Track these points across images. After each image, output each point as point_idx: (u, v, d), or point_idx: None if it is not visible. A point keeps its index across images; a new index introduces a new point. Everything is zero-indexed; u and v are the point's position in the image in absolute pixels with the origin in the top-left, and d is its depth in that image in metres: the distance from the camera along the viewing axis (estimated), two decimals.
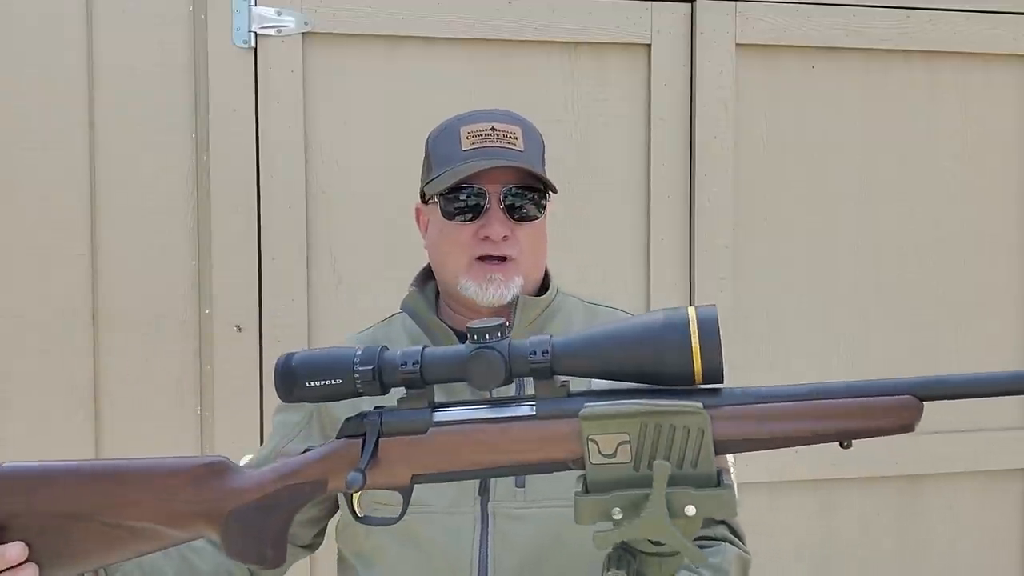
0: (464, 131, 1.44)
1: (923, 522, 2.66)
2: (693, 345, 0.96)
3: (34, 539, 1.04)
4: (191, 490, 1.04)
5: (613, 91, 2.47)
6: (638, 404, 0.96)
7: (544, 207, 1.46)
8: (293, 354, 1.03)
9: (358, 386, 1.01)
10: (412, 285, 1.53)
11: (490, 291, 1.41)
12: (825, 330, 2.60)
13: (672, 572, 0.98)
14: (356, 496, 1.08)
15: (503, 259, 1.42)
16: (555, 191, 1.48)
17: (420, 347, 1.03)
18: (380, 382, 1.01)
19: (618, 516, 0.95)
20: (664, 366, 0.97)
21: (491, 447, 1.02)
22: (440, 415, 1.03)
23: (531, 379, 1.02)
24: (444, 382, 1.02)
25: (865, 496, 2.63)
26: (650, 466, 0.95)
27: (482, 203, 1.41)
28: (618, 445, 0.96)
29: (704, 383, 0.98)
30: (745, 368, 2.43)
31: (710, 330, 0.96)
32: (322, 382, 1.01)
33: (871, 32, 2.55)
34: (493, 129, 1.44)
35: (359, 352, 1.01)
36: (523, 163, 1.42)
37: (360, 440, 1.04)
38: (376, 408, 1.06)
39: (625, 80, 2.48)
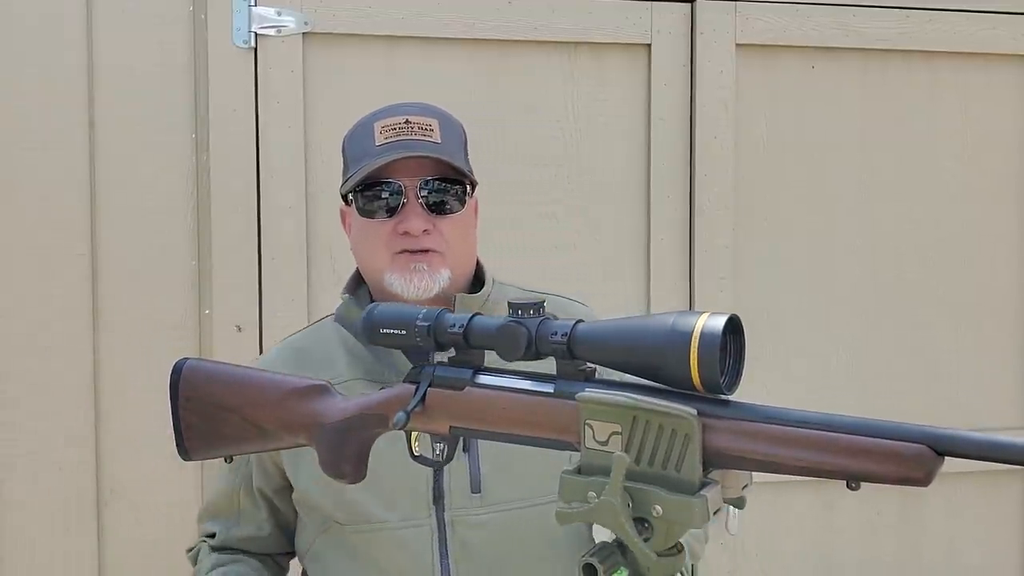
0: (378, 126, 1.43)
1: (923, 521, 2.66)
2: (692, 354, 0.95)
3: (197, 420, 1.29)
4: (296, 403, 1.24)
5: (613, 91, 2.47)
6: (632, 398, 0.96)
7: (465, 200, 1.44)
8: (376, 305, 1.14)
9: (417, 339, 1.10)
10: (344, 292, 1.52)
11: (414, 282, 1.40)
12: (825, 330, 2.60)
13: (671, 574, 0.97)
14: (414, 436, 1.17)
15: (425, 252, 1.40)
16: (475, 183, 1.46)
17: (471, 313, 1.10)
18: (434, 339, 1.09)
19: (594, 500, 0.96)
20: (665, 369, 0.97)
21: (509, 415, 1.07)
22: (483, 378, 1.10)
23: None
24: (483, 348, 1.09)
25: (866, 495, 2.62)
26: (637, 460, 0.95)
27: (399, 199, 1.40)
28: (611, 435, 0.97)
29: (704, 392, 0.97)
30: (745, 369, 2.42)
31: (710, 343, 0.94)
32: (391, 331, 1.11)
33: (871, 32, 2.54)
34: (407, 122, 1.42)
35: (423, 311, 1.11)
36: (437, 154, 1.39)
37: (415, 386, 1.13)
38: (438, 362, 1.14)
39: (625, 80, 2.48)
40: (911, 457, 0.90)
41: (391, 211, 1.41)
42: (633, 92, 2.48)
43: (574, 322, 1.03)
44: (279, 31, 2.31)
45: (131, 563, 2.31)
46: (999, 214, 2.67)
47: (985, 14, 2.58)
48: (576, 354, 1.03)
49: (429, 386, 1.12)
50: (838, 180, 2.59)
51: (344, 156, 1.49)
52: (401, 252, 1.40)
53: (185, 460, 1.32)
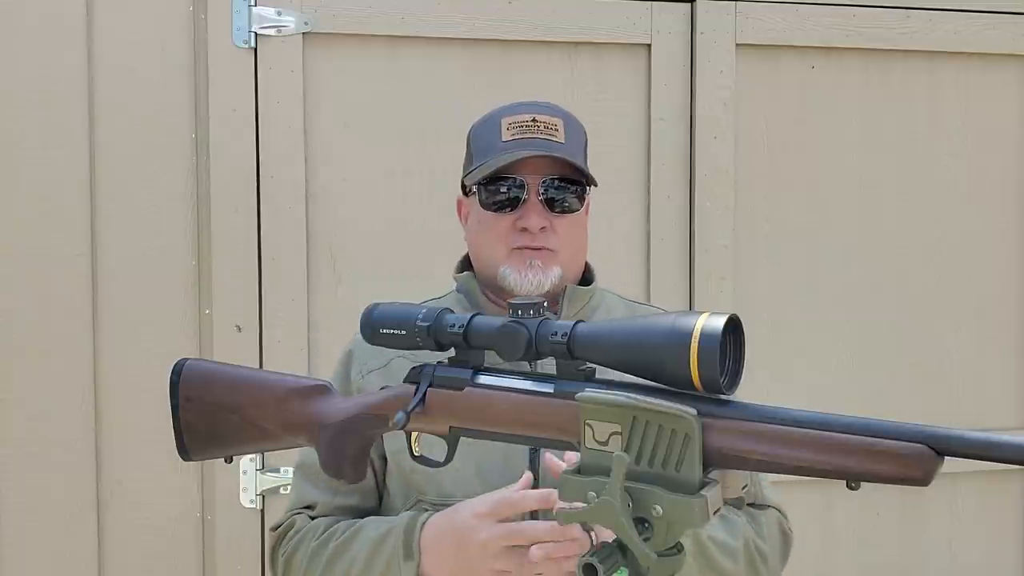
0: (505, 122, 1.46)
1: (923, 522, 2.66)
2: (692, 354, 0.95)
3: (197, 420, 1.29)
4: (298, 403, 1.25)
5: (613, 91, 2.47)
6: (632, 398, 0.96)
7: (583, 199, 1.47)
8: (377, 305, 1.15)
9: (417, 340, 1.11)
10: (457, 273, 1.54)
11: (528, 276, 1.42)
12: (825, 330, 2.59)
13: (670, 574, 0.97)
14: (414, 436, 1.18)
15: (540, 250, 1.43)
16: (595, 184, 1.48)
17: (472, 313, 1.11)
18: (434, 339, 1.11)
19: (594, 500, 0.96)
20: (665, 369, 0.97)
21: (509, 415, 1.08)
22: (483, 378, 1.11)
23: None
24: (483, 348, 1.10)
25: (866, 495, 2.62)
26: (637, 460, 0.95)
27: (520, 194, 1.42)
28: (610, 435, 0.97)
29: (704, 392, 0.97)
30: (746, 369, 2.42)
31: (710, 343, 0.94)
32: (391, 331, 1.13)
33: (871, 32, 2.54)
34: (534, 120, 1.45)
35: (423, 311, 1.12)
36: (560, 154, 1.42)
37: (415, 386, 1.15)
38: (438, 362, 1.15)
39: (625, 80, 2.48)
40: (910, 456, 0.90)
41: (512, 206, 1.43)
42: (633, 92, 2.48)
43: (574, 322, 1.04)
44: (279, 31, 2.31)
45: (131, 563, 2.31)
46: (999, 214, 2.67)
47: (985, 14, 2.58)
48: (576, 354, 1.04)
49: (429, 386, 1.13)
50: (838, 180, 2.59)
51: (469, 148, 1.51)
52: (519, 248, 1.43)
53: (185, 460, 1.32)
